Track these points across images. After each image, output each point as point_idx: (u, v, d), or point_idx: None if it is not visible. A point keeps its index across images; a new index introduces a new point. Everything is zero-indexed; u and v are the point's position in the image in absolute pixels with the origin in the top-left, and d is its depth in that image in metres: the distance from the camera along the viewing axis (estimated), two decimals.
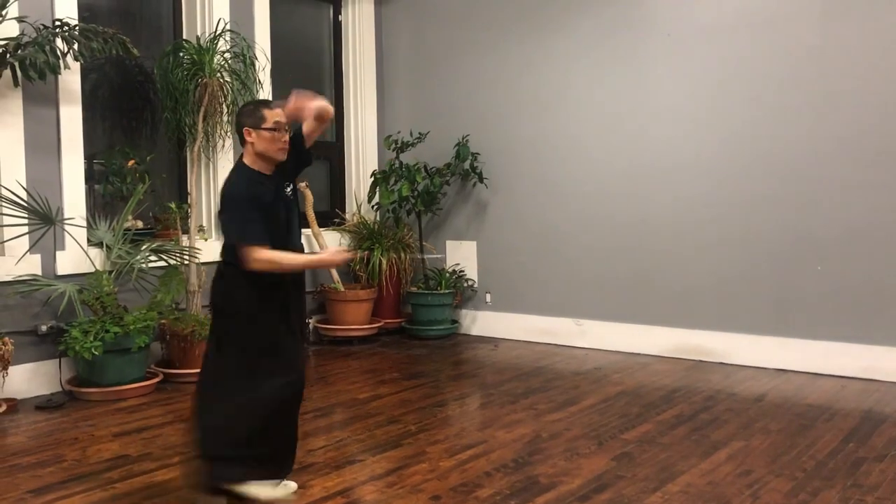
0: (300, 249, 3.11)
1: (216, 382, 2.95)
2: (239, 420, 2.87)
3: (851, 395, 4.38)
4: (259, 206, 2.86)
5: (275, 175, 2.98)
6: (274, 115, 2.91)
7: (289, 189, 3.03)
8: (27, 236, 4.41)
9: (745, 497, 2.95)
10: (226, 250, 3.00)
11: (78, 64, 4.62)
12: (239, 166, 2.99)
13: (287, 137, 2.93)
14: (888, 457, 3.38)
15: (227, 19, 5.39)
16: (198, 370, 4.73)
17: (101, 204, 5.04)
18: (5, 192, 4.34)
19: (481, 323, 6.29)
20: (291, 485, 3.06)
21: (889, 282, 4.65)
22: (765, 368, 4.99)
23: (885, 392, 4.42)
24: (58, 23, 4.41)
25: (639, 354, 5.45)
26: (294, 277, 3.06)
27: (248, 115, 2.93)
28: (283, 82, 6.07)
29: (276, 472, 2.97)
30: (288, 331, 2.99)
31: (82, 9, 4.83)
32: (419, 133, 6.26)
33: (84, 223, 4.73)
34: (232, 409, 2.88)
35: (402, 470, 3.29)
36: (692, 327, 5.32)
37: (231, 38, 5.30)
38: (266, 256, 2.82)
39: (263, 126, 2.89)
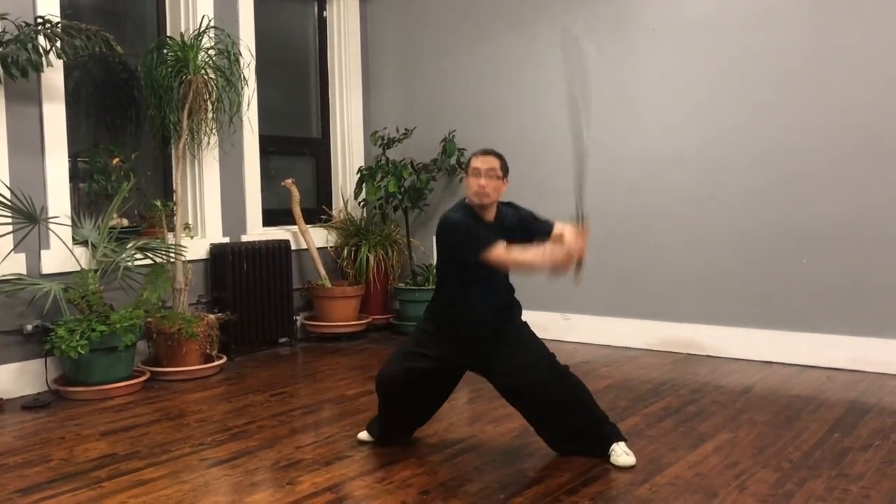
0: (501, 301, 3.42)
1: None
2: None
3: (837, 387, 4.41)
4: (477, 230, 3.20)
5: (492, 226, 3.27)
6: (475, 161, 3.22)
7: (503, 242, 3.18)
8: (11, 235, 4.38)
9: (732, 488, 2.97)
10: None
11: (61, 61, 4.58)
12: (460, 202, 3.34)
13: (483, 182, 3.17)
14: (873, 447, 3.41)
15: (212, 16, 5.37)
16: (185, 368, 4.76)
17: (86, 202, 5.01)
18: None
19: None
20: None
21: (874, 275, 4.69)
22: (751, 361, 5.03)
23: (871, 383, 4.46)
24: (40, 20, 4.37)
25: (626, 348, 5.47)
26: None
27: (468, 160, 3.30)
28: (269, 79, 6.07)
29: None
30: None
31: (65, 6, 4.80)
32: (405, 129, 6.25)
33: (69, 222, 4.70)
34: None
35: (390, 465, 3.29)
36: (680, 321, 5.35)
37: (215, 35, 5.28)
38: (500, 256, 3.12)
39: (468, 171, 3.25)
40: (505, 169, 3.30)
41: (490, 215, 3.30)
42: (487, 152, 3.26)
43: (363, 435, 3.58)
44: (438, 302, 3.41)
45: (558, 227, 3.30)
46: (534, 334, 3.43)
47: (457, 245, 3.22)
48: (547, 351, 3.37)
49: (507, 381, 3.33)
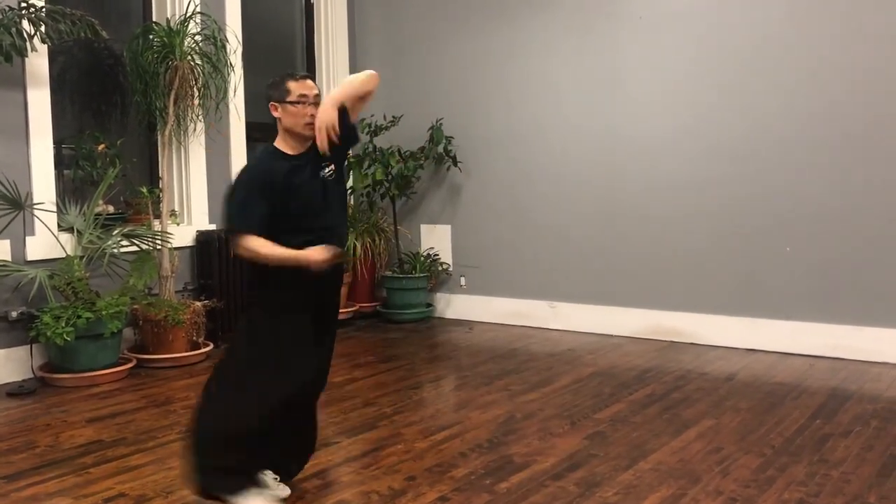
0: (342, 231, 2.95)
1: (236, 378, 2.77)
2: (240, 421, 2.66)
3: (819, 374, 4.46)
4: (271, 190, 2.68)
5: (308, 154, 2.78)
6: (300, 88, 2.75)
7: (327, 170, 2.81)
8: None
9: (715, 473, 3.01)
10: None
11: (45, 47, 4.55)
12: (261, 149, 2.87)
13: (313, 111, 2.73)
14: (853, 433, 3.46)
15: (198, 1, 5.33)
16: (171, 355, 4.76)
17: (72, 189, 4.99)
18: None
19: (456, 306, 6.32)
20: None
21: (856, 263, 4.73)
22: (735, 348, 5.07)
23: (852, 370, 4.51)
24: (24, 4, 4.33)
25: (611, 336, 5.51)
26: (327, 277, 2.78)
27: (274, 87, 2.79)
28: (255, 65, 6.04)
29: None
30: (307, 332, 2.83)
31: None
32: (393, 117, 6.24)
33: (54, 208, 4.68)
34: (241, 407, 2.68)
35: (377, 451, 3.31)
36: (664, 309, 5.39)
37: (201, 21, 5.25)
38: (248, 244, 2.64)
39: (288, 99, 2.74)
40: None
41: (300, 145, 2.81)
42: (306, 76, 2.83)
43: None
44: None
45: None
46: (241, 340, 2.86)
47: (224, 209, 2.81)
48: (220, 366, 2.82)
49: None
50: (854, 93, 4.69)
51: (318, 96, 2.79)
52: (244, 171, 2.83)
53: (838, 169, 4.76)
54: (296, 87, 2.77)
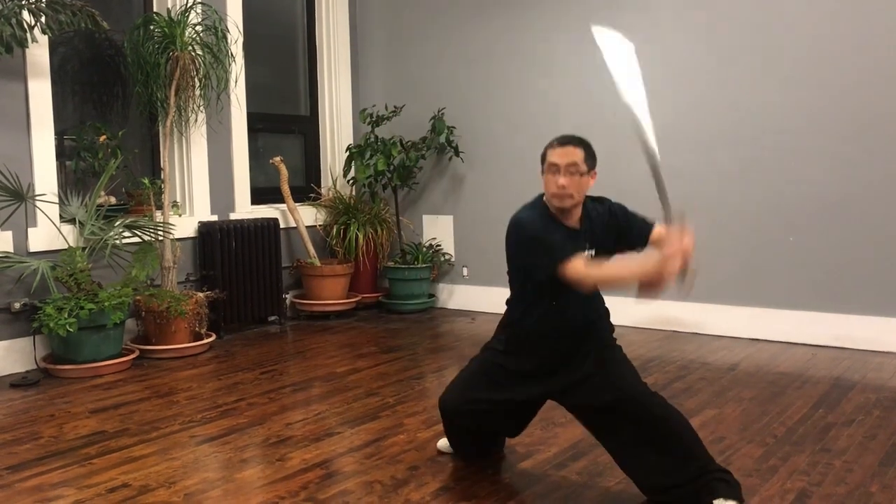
0: (588, 316, 2.81)
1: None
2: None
3: (822, 363, 4.46)
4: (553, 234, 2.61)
5: (578, 231, 2.67)
6: (554, 154, 2.62)
7: (588, 252, 2.65)
8: None
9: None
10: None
11: (46, 37, 4.54)
12: (535, 199, 2.76)
13: (563, 181, 2.58)
14: (856, 422, 3.46)
15: None
16: (174, 346, 4.76)
17: (73, 180, 4.98)
18: None
19: (458, 296, 6.32)
20: None
21: (860, 252, 4.72)
22: (738, 338, 5.07)
23: (855, 360, 4.51)
24: None
25: (614, 325, 5.49)
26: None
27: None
28: (257, 55, 6.03)
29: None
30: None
31: None
32: (394, 107, 6.23)
33: (56, 199, 4.68)
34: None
35: (380, 441, 3.31)
36: (666, 298, 5.35)
37: (202, 11, 5.23)
38: (580, 270, 2.52)
39: (543, 164, 2.65)
40: (591, 159, 2.67)
41: (573, 219, 2.69)
42: (567, 141, 2.65)
43: (442, 444, 3.16)
44: (511, 317, 2.84)
45: (658, 230, 2.74)
46: (625, 359, 2.84)
47: (526, 255, 2.67)
48: (638, 383, 2.76)
49: (586, 414, 2.81)
50: (859, 82, 4.67)
51: (572, 165, 2.61)
52: (527, 212, 2.75)
53: (842, 158, 4.74)
54: (550, 154, 2.66)
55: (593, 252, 2.68)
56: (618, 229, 2.78)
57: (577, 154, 2.62)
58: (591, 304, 2.80)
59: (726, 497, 2.51)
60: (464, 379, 2.97)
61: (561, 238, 2.60)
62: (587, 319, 2.78)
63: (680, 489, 2.58)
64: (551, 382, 2.77)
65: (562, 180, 2.59)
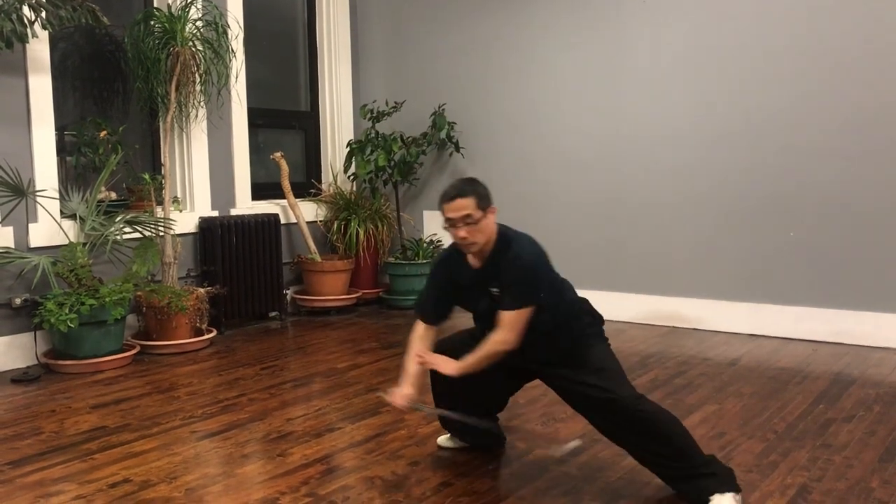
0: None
1: None
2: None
3: (822, 359, 4.46)
4: (448, 282, 2.88)
5: (479, 270, 2.77)
6: (448, 211, 2.68)
7: (495, 290, 2.74)
8: None
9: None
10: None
11: (46, 33, 4.53)
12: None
13: (463, 233, 2.66)
14: (856, 417, 3.46)
15: None
16: (174, 342, 4.77)
17: (74, 175, 4.98)
18: None
19: None
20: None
21: (859, 247, 4.72)
22: (738, 334, 5.07)
23: (855, 355, 4.51)
24: None
25: (614, 321, 5.47)
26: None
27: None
28: (257, 51, 6.02)
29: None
30: None
31: None
32: (395, 102, 6.22)
33: (56, 195, 4.68)
34: None
35: (381, 437, 3.32)
36: (666, 294, 5.38)
37: (203, 6, 5.23)
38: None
39: (444, 224, 2.74)
40: (483, 201, 2.70)
41: (481, 259, 2.78)
42: (454, 196, 2.68)
43: (442, 440, 3.21)
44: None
45: (501, 315, 2.69)
46: (606, 357, 2.81)
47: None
48: (616, 386, 2.69)
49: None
50: (859, 79, 4.67)
51: (466, 217, 2.66)
52: (444, 252, 2.98)
53: (842, 154, 4.74)
54: (444, 210, 2.72)
55: (497, 290, 2.73)
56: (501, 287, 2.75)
57: (467, 205, 2.67)
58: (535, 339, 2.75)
59: (722, 491, 2.56)
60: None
61: (432, 292, 2.93)
62: (534, 350, 2.77)
63: (677, 484, 2.67)
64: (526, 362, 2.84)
65: (461, 233, 2.69)
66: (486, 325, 2.79)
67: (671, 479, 2.68)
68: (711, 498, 2.55)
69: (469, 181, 2.80)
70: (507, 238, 2.77)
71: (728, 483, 2.59)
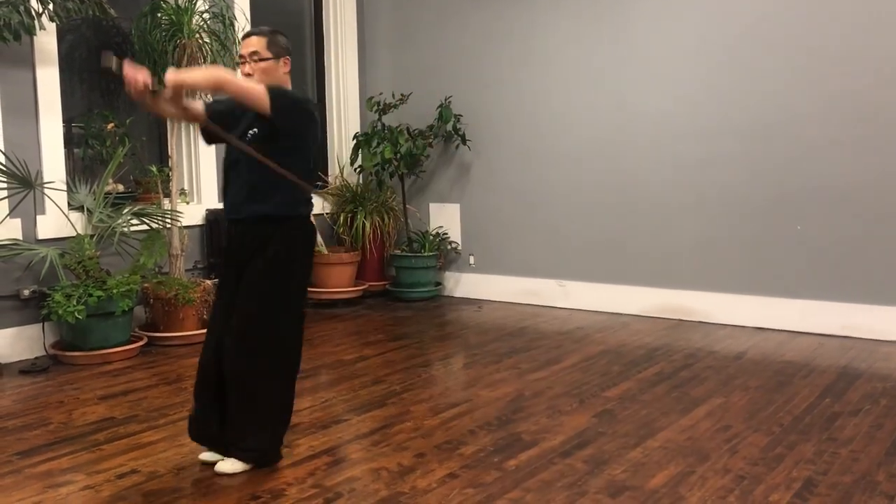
0: (238, 180, 2.92)
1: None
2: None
3: (829, 353, 4.45)
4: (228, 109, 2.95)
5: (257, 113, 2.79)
6: (241, 48, 2.91)
7: (250, 132, 2.85)
8: (6, 200, 4.38)
9: (724, 451, 3.02)
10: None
11: (54, 25, 4.54)
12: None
13: (247, 69, 2.86)
14: (862, 411, 3.46)
15: None
16: (181, 333, 4.78)
17: (81, 167, 5.00)
18: None
19: (465, 285, 6.32)
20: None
21: (866, 241, 4.71)
22: (744, 327, 5.06)
23: (861, 349, 4.50)
24: None
25: (620, 314, 5.51)
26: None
27: None
28: None
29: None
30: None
31: None
32: (401, 94, 6.22)
33: (64, 187, 4.69)
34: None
35: (386, 429, 3.33)
36: (673, 287, 5.38)
37: None
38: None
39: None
40: (275, 47, 2.87)
41: None
42: (248, 34, 2.90)
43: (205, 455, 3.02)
44: None
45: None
46: (271, 279, 2.87)
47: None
48: (257, 314, 2.88)
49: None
50: (866, 71, 4.64)
51: (254, 54, 2.85)
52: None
53: (849, 147, 4.72)
54: (240, 48, 2.92)
55: (255, 130, 2.83)
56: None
57: (256, 43, 2.85)
58: (240, 186, 2.88)
59: (241, 456, 2.85)
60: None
61: (231, 103, 2.88)
62: (237, 201, 2.88)
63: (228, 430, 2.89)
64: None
65: (245, 68, 2.86)
66: (228, 172, 2.91)
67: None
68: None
69: (273, 28, 2.95)
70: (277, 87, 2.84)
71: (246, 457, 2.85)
